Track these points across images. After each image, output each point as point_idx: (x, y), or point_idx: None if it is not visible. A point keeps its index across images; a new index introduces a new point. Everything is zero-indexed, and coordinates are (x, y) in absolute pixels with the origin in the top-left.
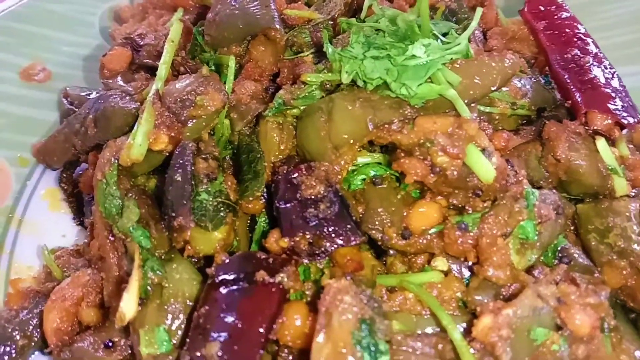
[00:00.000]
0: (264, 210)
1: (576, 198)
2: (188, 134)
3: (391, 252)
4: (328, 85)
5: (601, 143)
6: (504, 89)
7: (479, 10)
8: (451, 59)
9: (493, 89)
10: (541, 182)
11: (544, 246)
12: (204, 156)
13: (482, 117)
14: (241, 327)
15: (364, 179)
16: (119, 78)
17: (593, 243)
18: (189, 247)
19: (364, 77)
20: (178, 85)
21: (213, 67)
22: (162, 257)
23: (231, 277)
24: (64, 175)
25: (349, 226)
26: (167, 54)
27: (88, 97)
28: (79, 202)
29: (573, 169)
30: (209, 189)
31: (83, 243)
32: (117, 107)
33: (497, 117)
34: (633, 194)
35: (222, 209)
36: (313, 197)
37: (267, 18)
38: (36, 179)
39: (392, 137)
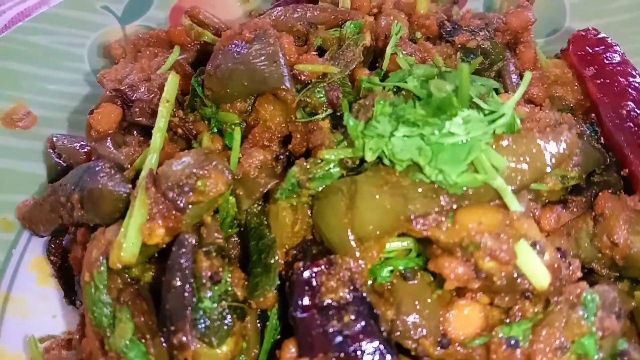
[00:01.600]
0: (276, 305)
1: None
2: (188, 221)
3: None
4: (349, 163)
5: None
6: None
7: (528, 76)
8: (494, 132)
9: (547, 171)
10: (593, 263)
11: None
12: (206, 249)
13: (528, 196)
14: None
15: (392, 271)
16: (109, 141)
17: None
18: None
19: (392, 157)
20: (175, 166)
21: (215, 127)
22: None
23: None
24: (52, 245)
25: (381, 346)
26: (161, 118)
27: (77, 148)
28: (69, 277)
29: (634, 257)
30: (213, 294)
31: (75, 330)
32: (106, 191)
33: (545, 194)
34: None
35: (229, 315)
36: (335, 303)
37: (276, 76)
38: (23, 245)
39: (429, 232)
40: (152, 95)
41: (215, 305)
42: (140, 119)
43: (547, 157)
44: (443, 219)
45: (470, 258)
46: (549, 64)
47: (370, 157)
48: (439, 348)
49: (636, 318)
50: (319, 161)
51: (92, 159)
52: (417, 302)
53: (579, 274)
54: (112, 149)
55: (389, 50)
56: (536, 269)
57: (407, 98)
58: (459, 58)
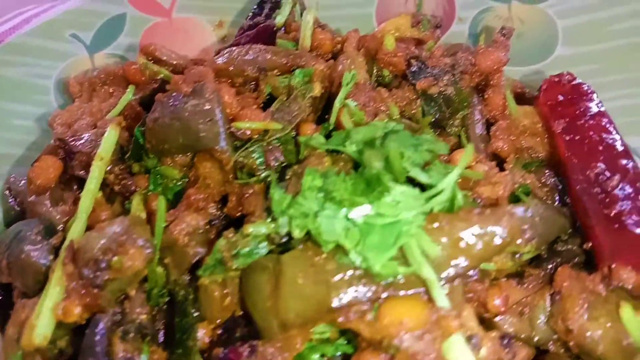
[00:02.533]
0: None
1: None
2: (108, 296)
3: None
4: (277, 239)
5: (627, 312)
6: None
7: (470, 149)
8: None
9: (486, 259)
10: (549, 345)
11: None
12: (124, 329)
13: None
14: None
15: (322, 355)
16: (47, 197)
17: None
18: None
19: (318, 238)
20: (94, 238)
21: (158, 181)
22: None
23: None
24: None
25: None
26: (92, 179)
27: None
28: None
29: (587, 346)
30: None
31: None
32: (28, 261)
33: (493, 273)
34: None
35: None
36: None
37: (211, 135)
38: None
39: (352, 325)
40: (92, 147)
41: None
42: (81, 172)
43: (487, 241)
44: (367, 310)
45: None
46: (518, 112)
47: (297, 234)
48: None
49: None
50: (246, 236)
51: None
52: None
53: None
54: (49, 206)
55: (336, 103)
56: None
57: (347, 164)
58: (418, 107)
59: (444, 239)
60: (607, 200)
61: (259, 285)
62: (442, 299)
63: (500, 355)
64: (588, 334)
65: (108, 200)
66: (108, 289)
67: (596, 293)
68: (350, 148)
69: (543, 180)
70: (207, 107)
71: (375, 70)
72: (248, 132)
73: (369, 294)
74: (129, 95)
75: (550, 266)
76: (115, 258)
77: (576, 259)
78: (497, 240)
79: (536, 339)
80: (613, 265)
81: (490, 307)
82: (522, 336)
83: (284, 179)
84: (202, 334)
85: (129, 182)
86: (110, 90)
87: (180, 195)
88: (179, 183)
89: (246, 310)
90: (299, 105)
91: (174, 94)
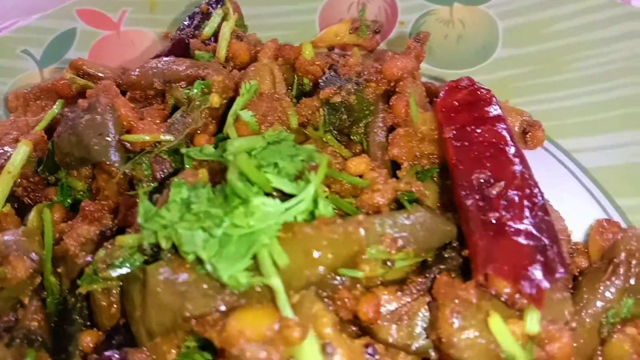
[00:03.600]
0: None
1: None
2: (1, 304)
3: None
4: (147, 251)
5: (495, 322)
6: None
7: (324, 160)
8: (295, 218)
9: (333, 269)
10: (431, 353)
11: None
12: (12, 335)
13: (345, 283)
14: None
15: None
16: None
17: None
18: None
19: (181, 250)
20: None
21: (66, 193)
22: None
23: None
24: None
25: None
26: None
27: None
28: None
29: (454, 355)
30: None
31: None
32: None
33: (363, 280)
34: None
35: None
36: None
37: (100, 148)
38: None
39: (208, 335)
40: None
41: None
42: None
43: (340, 249)
44: (219, 320)
45: None
46: (419, 119)
47: (164, 245)
48: None
49: None
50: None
51: None
52: None
53: None
54: None
55: (230, 114)
56: None
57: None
58: (322, 114)
59: (296, 248)
60: (488, 207)
61: (132, 295)
62: (286, 308)
63: None
64: (455, 342)
65: (19, 213)
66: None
67: (468, 302)
68: (227, 159)
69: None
70: (99, 120)
71: (296, 79)
72: (136, 145)
73: (221, 304)
74: (55, 109)
75: (433, 274)
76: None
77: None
78: (345, 249)
79: (415, 347)
80: (488, 274)
81: (361, 315)
82: (401, 344)
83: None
84: (88, 340)
85: (38, 195)
86: (43, 105)
87: None
88: (84, 194)
89: (125, 319)
90: (192, 116)
91: (75, 108)
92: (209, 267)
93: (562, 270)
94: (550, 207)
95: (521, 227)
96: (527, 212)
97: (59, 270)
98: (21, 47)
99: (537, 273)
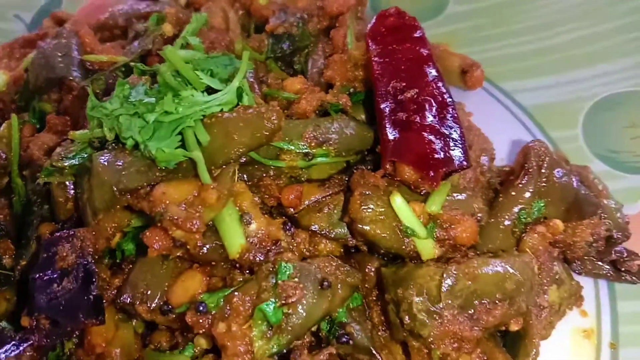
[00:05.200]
0: None
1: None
2: None
3: (160, 326)
4: (96, 143)
5: (396, 200)
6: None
7: (245, 55)
8: (218, 112)
9: (250, 147)
10: (349, 239)
11: (299, 328)
12: None
13: (269, 172)
14: None
15: (137, 245)
16: None
17: (391, 315)
18: None
19: (120, 136)
20: None
21: (37, 115)
22: None
23: None
24: None
25: (84, 305)
26: None
27: None
28: None
29: (360, 230)
30: None
31: None
32: None
33: (286, 171)
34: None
35: None
36: (64, 269)
37: (63, 66)
38: None
39: (139, 205)
40: None
41: None
42: None
43: (253, 130)
44: (149, 192)
45: (166, 228)
46: (352, 45)
47: (109, 136)
48: (159, 314)
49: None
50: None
51: None
52: (148, 271)
53: (287, 252)
54: None
55: (178, 39)
56: (230, 236)
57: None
58: (267, 44)
59: (217, 130)
60: (399, 108)
61: (82, 183)
62: (205, 176)
63: (277, 236)
64: (362, 218)
65: None
66: None
67: (376, 186)
68: (166, 69)
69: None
70: (64, 43)
71: (253, 25)
72: (96, 64)
73: (151, 179)
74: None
75: (351, 172)
76: None
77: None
78: (260, 128)
79: (334, 233)
80: (395, 162)
81: (284, 201)
82: (323, 231)
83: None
84: (46, 230)
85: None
86: (26, 52)
87: None
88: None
89: (77, 210)
90: (146, 41)
91: (47, 38)
92: (142, 148)
93: (462, 159)
94: (478, 129)
95: (426, 123)
96: (434, 112)
97: (25, 173)
98: (13, 11)
99: (438, 160)
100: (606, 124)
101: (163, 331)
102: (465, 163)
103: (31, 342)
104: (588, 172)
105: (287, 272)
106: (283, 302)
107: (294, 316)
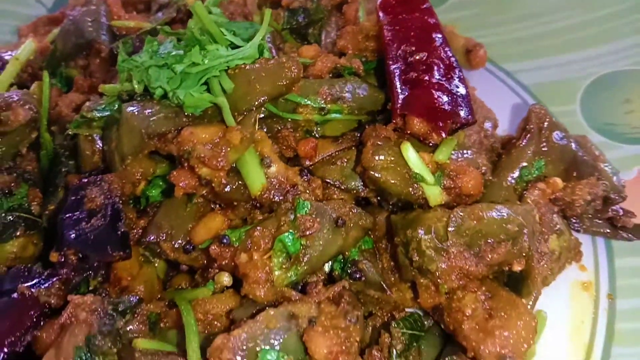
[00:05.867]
0: None
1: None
2: (4, 148)
3: (183, 266)
4: (124, 96)
5: (406, 148)
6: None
7: (268, 13)
8: (241, 64)
9: (271, 95)
10: (360, 190)
11: (315, 260)
12: (10, 171)
13: (287, 125)
14: None
15: (163, 191)
16: None
17: (400, 257)
18: None
19: (149, 86)
20: None
21: (64, 81)
22: None
23: (5, 288)
24: None
25: (112, 240)
26: (5, 73)
27: None
28: None
29: (372, 177)
30: (4, 204)
31: None
32: None
33: (303, 124)
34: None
35: (16, 222)
36: (92, 210)
37: (92, 30)
38: None
39: (167, 148)
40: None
41: (2, 216)
42: None
43: (274, 80)
44: (176, 135)
45: (193, 168)
46: (364, 17)
47: (138, 88)
48: (182, 253)
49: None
50: (104, 97)
51: None
52: (172, 214)
53: (305, 192)
54: None
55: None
56: (252, 175)
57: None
58: (283, 17)
59: (241, 79)
60: (409, 69)
61: (110, 133)
62: (229, 118)
63: (294, 180)
64: (373, 165)
65: None
66: (3, 142)
67: (387, 139)
68: (192, 31)
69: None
70: (93, 9)
71: None
72: (123, 30)
73: (178, 123)
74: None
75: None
76: (3, 114)
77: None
78: (280, 77)
79: (346, 185)
80: (405, 115)
81: (300, 152)
82: (336, 183)
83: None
84: (73, 179)
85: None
86: (50, 29)
87: None
88: None
89: (104, 162)
90: (169, 10)
91: (77, 7)
92: (170, 96)
93: (468, 114)
94: (482, 102)
95: (434, 81)
96: (442, 72)
97: (53, 128)
98: None
99: (446, 112)
100: (602, 101)
101: (184, 274)
102: (470, 118)
103: (60, 276)
104: (586, 140)
105: (305, 209)
106: (301, 234)
107: (310, 249)
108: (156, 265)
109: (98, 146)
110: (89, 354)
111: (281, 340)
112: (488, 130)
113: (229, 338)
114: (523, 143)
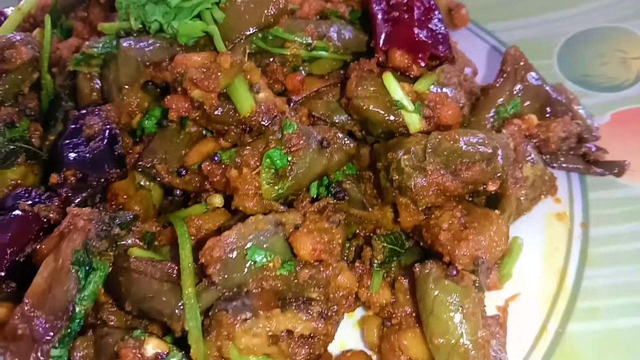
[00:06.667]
0: None
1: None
2: (4, 89)
3: (177, 191)
4: (122, 34)
5: (387, 78)
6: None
7: None
8: None
9: (260, 26)
10: (345, 125)
11: (301, 177)
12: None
13: (275, 60)
14: None
15: (156, 123)
16: None
17: (382, 181)
18: None
19: (145, 21)
20: None
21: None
22: None
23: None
24: None
25: (108, 160)
26: (8, 21)
27: None
28: None
29: (357, 105)
30: (7, 134)
31: None
32: None
33: (290, 59)
34: None
35: (18, 151)
36: (91, 136)
37: None
38: None
39: (162, 75)
40: None
41: (4, 144)
42: None
43: (260, 11)
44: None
45: (185, 91)
46: None
47: (134, 25)
48: (176, 176)
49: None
50: (101, 36)
51: None
52: (166, 142)
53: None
54: None
55: None
56: (242, 98)
57: None
58: None
59: (232, 11)
60: (391, 10)
61: (108, 69)
62: (220, 44)
63: (282, 108)
64: (357, 94)
65: None
66: (6, 81)
67: (369, 71)
68: None
69: None
70: None
71: None
72: None
73: (172, 52)
74: None
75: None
76: (7, 52)
77: None
78: (268, 12)
79: (332, 118)
80: (387, 49)
81: (289, 86)
82: (321, 115)
83: None
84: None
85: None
86: None
87: None
88: None
89: (104, 99)
90: None
91: None
92: (165, 28)
93: (447, 49)
94: (462, 52)
95: (415, 18)
96: (422, 11)
97: (54, 70)
98: None
99: (426, 44)
100: (578, 55)
101: (177, 202)
102: (449, 52)
103: (59, 195)
104: (562, 87)
105: (292, 127)
106: (288, 150)
107: (296, 165)
108: (152, 193)
109: (96, 84)
110: (86, 255)
111: (268, 241)
112: (467, 74)
113: (219, 238)
114: (499, 83)
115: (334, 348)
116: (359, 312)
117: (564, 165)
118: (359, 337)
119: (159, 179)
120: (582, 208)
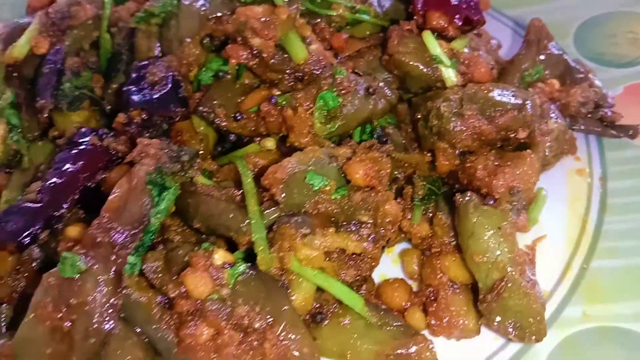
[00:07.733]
0: None
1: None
2: (69, 42)
3: (231, 136)
4: None
5: (426, 35)
6: None
7: None
8: None
9: None
10: (385, 81)
11: (351, 118)
12: (75, 53)
13: (320, 20)
14: (69, 171)
15: (212, 76)
16: None
17: (421, 130)
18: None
19: None
20: (61, 1)
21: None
22: (31, 138)
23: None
24: None
25: (173, 100)
26: None
27: None
28: None
29: (398, 60)
30: (72, 83)
31: None
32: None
33: (336, 20)
34: None
35: (82, 97)
36: (154, 82)
37: None
38: None
39: (222, 27)
40: None
41: (72, 88)
42: None
43: None
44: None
45: (245, 41)
46: None
47: None
48: (233, 121)
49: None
50: None
51: None
52: (222, 91)
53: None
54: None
55: None
56: (296, 47)
57: None
58: None
59: None
60: None
61: (169, 24)
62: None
63: (331, 60)
64: (398, 52)
65: None
66: (69, 35)
67: (409, 30)
68: None
69: None
70: None
71: None
72: None
73: (232, 7)
74: None
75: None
76: (73, 9)
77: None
78: None
79: (374, 75)
80: (426, 12)
81: (334, 44)
82: (363, 72)
83: None
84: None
85: None
86: None
87: None
88: None
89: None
90: None
91: None
92: None
93: (479, 13)
94: (486, 31)
95: None
96: None
97: (113, 30)
98: None
99: (461, 7)
100: (592, 36)
101: (227, 148)
102: (481, 17)
103: (126, 132)
104: (579, 60)
105: (343, 74)
106: (339, 92)
107: (346, 107)
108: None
109: (154, 43)
110: (159, 176)
111: (324, 169)
112: (493, 46)
113: (281, 163)
114: (524, 51)
115: (375, 278)
116: (397, 249)
117: (582, 127)
118: (399, 271)
119: (217, 122)
120: (600, 165)
